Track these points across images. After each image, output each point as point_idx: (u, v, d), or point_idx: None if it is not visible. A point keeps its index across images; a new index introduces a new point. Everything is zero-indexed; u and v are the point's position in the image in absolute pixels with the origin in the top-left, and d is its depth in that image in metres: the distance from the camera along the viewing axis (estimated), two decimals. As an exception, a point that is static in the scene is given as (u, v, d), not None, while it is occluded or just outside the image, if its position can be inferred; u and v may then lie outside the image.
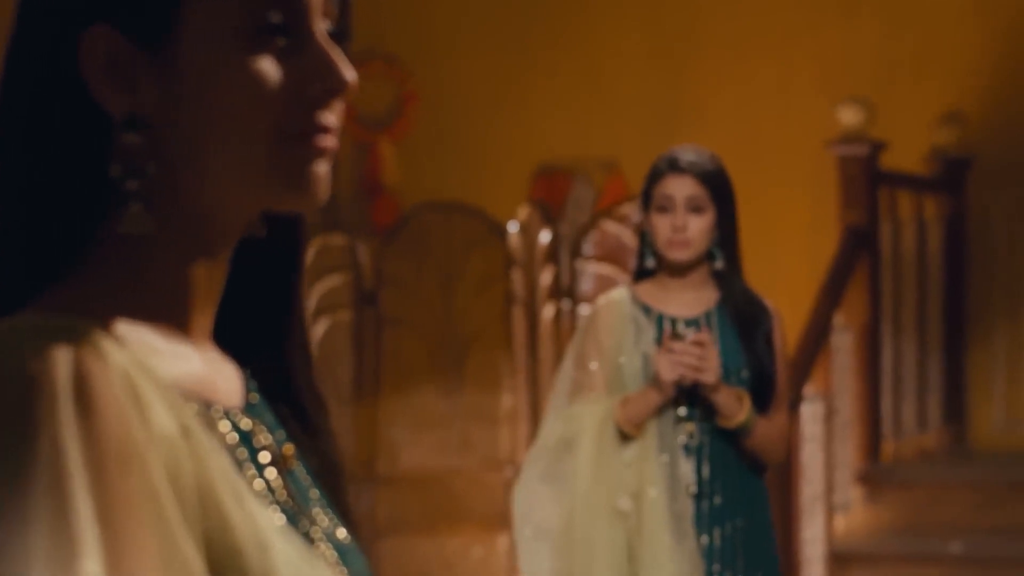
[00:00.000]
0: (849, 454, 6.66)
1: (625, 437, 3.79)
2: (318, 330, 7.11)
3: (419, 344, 7.20)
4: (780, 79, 8.07)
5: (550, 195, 8.34)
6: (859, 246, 6.82)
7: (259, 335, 1.21)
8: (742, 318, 3.89)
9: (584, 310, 6.54)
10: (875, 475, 6.79)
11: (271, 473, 1.14)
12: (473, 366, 7.16)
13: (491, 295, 7.16)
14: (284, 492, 1.15)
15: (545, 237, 7.16)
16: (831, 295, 6.55)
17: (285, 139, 1.10)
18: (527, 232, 7.20)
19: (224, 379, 1.16)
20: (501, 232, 7.20)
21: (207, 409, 1.11)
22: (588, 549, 3.80)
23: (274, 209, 1.15)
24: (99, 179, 1.09)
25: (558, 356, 6.10)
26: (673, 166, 3.86)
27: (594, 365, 3.86)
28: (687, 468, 3.81)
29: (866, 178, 6.87)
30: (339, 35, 1.14)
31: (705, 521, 3.82)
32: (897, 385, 7.15)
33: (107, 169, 1.09)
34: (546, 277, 7.14)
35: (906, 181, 7.32)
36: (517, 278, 7.15)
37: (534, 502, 3.91)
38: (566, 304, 7.08)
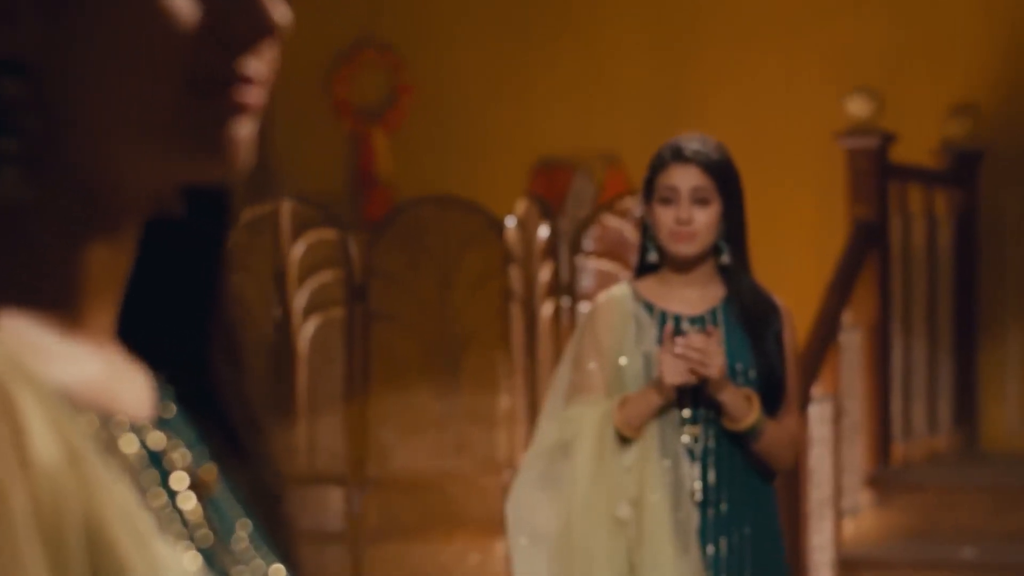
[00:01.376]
0: (858, 457, 6.68)
1: (625, 440, 3.64)
2: (309, 328, 7.09)
3: (414, 343, 7.18)
4: (786, 70, 8.07)
5: (549, 189, 8.31)
6: (868, 242, 6.81)
7: (175, 336, 1.01)
8: (750, 316, 3.76)
9: (584, 307, 6.45)
10: (885, 478, 6.79)
11: (187, 501, 0.94)
12: (469, 365, 7.13)
13: (488, 292, 7.13)
14: (204, 524, 0.94)
15: (544, 232, 7.12)
16: (839, 292, 6.55)
17: (197, 89, 0.90)
18: (525, 227, 7.17)
19: (129, 386, 0.95)
20: (499, 227, 7.17)
21: (106, 422, 0.90)
22: (587, 558, 3.70)
23: (185, 177, 0.94)
24: None
25: (557, 355, 6.01)
26: (677, 155, 3.73)
27: (592, 365, 3.73)
28: (692, 473, 3.66)
29: (875, 171, 6.88)
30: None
31: (711, 530, 3.71)
32: (907, 385, 7.18)
33: None
34: (545, 273, 7.09)
35: (916, 175, 7.36)
36: (515, 274, 7.11)
37: (530, 508, 3.83)
38: (565, 301, 7.03)
